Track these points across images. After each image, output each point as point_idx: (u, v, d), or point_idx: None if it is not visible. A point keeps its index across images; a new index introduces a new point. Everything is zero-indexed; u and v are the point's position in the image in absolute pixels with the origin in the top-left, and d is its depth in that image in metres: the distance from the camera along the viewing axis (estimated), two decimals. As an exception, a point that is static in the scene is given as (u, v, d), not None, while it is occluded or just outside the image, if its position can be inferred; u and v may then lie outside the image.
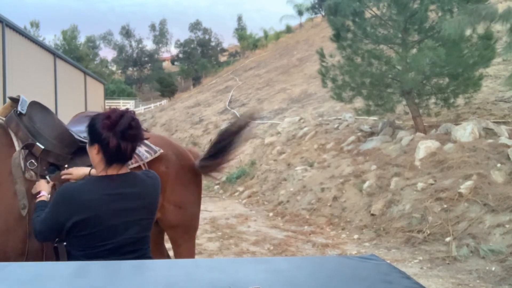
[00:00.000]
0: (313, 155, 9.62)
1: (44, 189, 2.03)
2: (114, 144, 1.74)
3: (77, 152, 2.22)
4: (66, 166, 2.16)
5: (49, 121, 2.22)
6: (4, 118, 2.20)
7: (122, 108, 1.91)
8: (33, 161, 2.07)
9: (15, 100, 2.23)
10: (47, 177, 2.08)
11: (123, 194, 1.80)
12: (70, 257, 1.85)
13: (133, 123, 1.78)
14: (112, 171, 1.82)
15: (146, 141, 2.41)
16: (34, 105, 2.24)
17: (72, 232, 1.76)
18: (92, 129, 1.81)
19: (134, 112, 1.86)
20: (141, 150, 2.39)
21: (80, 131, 2.36)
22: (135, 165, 2.32)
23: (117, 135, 1.74)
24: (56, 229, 1.79)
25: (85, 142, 2.24)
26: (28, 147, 2.09)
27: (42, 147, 2.11)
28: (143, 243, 1.87)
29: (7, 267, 1.23)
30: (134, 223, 1.82)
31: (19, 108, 2.17)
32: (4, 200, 1.95)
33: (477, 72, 8.24)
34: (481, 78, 8.32)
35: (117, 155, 1.78)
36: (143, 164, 2.37)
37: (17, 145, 2.10)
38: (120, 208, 1.78)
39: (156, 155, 2.45)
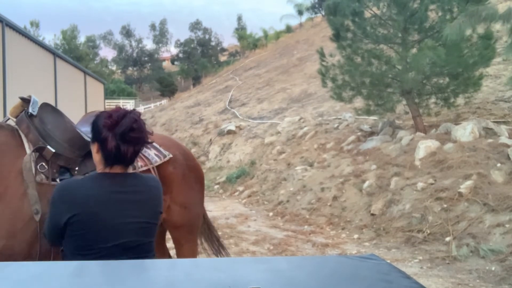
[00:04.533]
0: (313, 155, 9.62)
1: None
2: (112, 145, 1.64)
3: (87, 155, 2.20)
4: (76, 169, 2.15)
5: (60, 123, 2.18)
6: (15, 119, 2.18)
7: (128, 107, 1.81)
8: (43, 164, 2.04)
9: (25, 101, 2.20)
10: (57, 179, 2.07)
11: (125, 193, 1.69)
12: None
13: (135, 125, 1.66)
14: (113, 171, 1.72)
15: (155, 144, 2.41)
16: (46, 106, 2.21)
17: (67, 230, 1.63)
18: (93, 126, 1.73)
19: (139, 114, 1.73)
20: (151, 153, 2.39)
21: (89, 132, 2.35)
22: (144, 168, 2.32)
23: (116, 136, 1.63)
24: (57, 229, 1.66)
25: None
26: (39, 150, 2.06)
27: (53, 150, 2.07)
28: (146, 250, 1.74)
29: (7, 267, 1.23)
30: (135, 226, 1.69)
31: (30, 109, 2.14)
32: (12, 203, 1.93)
33: (477, 72, 8.25)
34: (481, 78, 8.33)
35: (116, 157, 1.67)
36: (153, 168, 2.36)
37: (27, 147, 2.07)
38: (121, 208, 1.66)
39: (166, 159, 2.45)
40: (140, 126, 1.68)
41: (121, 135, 1.64)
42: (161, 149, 2.46)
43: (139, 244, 1.71)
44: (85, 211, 1.61)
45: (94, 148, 1.73)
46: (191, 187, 2.64)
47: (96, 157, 1.73)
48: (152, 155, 2.40)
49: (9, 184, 1.95)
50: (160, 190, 1.84)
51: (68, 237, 1.66)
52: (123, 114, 1.66)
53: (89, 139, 2.24)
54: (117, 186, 1.68)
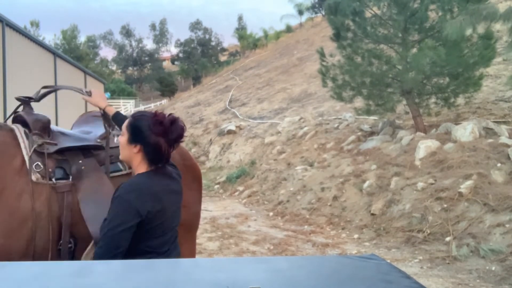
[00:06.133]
0: (313, 155, 9.62)
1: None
2: (166, 149, 1.82)
3: (84, 154, 2.22)
4: (72, 168, 2.17)
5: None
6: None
7: (166, 113, 1.91)
8: (39, 163, 2.08)
9: (22, 101, 2.24)
10: (53, 179, 2.09)
11: (171, 186, 1.91)
12: (132, 252, 1.76)
13: (182, 132, 1.86)
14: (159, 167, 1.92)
15: None
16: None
17: (144, 224, 1.76)
18: (137, 129, 1.84)
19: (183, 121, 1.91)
20: None
21: (86, 131, 2.37)
22: None
23: (170, 142, 1.81)
24: (126, 229, 1.71)
25: (90, 145, 2.25)
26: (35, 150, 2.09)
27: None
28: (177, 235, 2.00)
29: (7, 267, 1.23)
30: (178, 212, 1.96)
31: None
32: (8, 203, 1.96)
33: (477, 71, 8.24)
34: (481, 78, 8.32)
35: (164, 157, 1.86)
36: None
37: (23, 147, 2.11)
38: (172, 200, 1.89)
39: None
40: (184, 131, 1.88)
41: (175, 141, 1.83)
42: None
43: (176, 230, 1.96)
44: (160, 205, 1.81)
45: (133, 149, 1.85)
46: (189, 186, 2.65)
47: (137, 157, 1.86)
48: None
49: (6, 184, 1.98)
50: (180, 177, 2.06)
51: (141, 230, 1.77)
52: (170, 120, 1.83)
53: (85, 138, 2.27)
54: (167, 180, 1.90)
